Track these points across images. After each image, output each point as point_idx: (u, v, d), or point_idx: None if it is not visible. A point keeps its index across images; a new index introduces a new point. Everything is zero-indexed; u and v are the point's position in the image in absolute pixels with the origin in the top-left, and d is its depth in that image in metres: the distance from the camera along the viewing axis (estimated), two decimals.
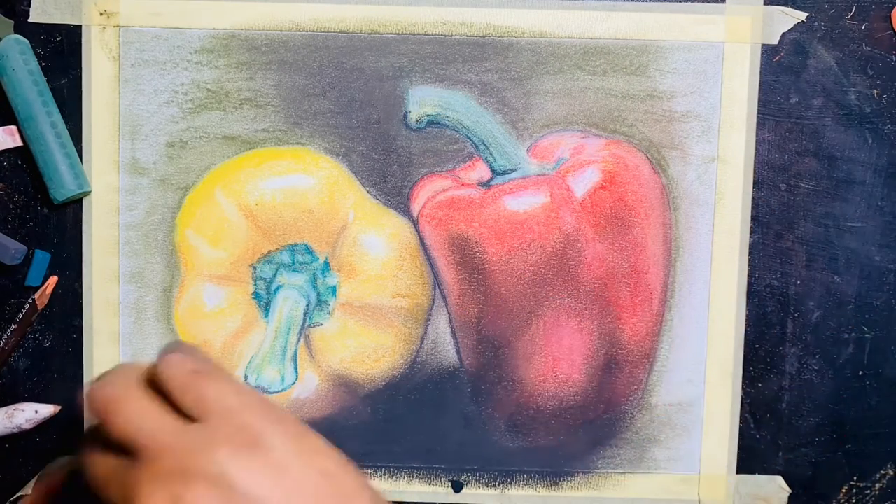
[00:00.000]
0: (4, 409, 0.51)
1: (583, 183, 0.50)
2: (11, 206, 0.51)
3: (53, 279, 0.51)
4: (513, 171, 0.51)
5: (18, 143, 0.50)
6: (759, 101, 0.51)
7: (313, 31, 0.51)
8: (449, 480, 0.53)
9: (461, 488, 0.53)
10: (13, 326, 0.51)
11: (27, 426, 0.51)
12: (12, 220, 0.51)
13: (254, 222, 0.51)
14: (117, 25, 0.51)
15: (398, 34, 0.51)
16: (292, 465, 0.30)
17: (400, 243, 0.51)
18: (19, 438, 0.52)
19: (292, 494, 0.29)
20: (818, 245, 0.52)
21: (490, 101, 0.51)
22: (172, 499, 0.28)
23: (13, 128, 0.50)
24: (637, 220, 0.50)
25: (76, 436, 0.53)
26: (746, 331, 0.52)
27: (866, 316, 0.52)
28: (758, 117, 0.51)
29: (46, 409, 0.51)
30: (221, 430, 0.30)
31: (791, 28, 0.51)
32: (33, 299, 0.51)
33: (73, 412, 0.52)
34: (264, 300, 0.51)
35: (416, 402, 0.53)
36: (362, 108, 0.51)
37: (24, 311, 0.51)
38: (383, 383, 0.52)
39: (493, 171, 0.51)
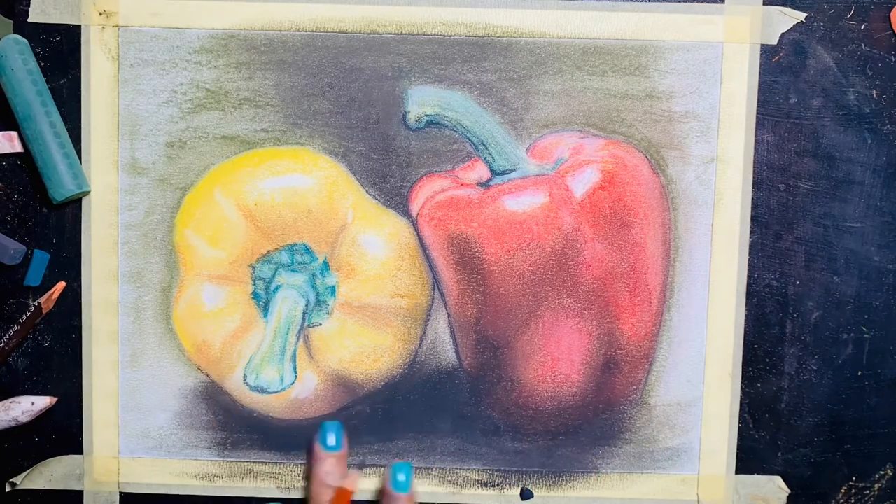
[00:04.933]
0: (1, 402, 0.51)
1: (582, 183, 0.50)
2: (10, 206, 0.51)
3: (61, 284, 0.51)
4: (512, 171, 0.51)
5: (18, 149, 0.50)
6: (759, 101, 0.51)
7: (312, 31, 0.51)
8: (520, 488, 0.53)
9: (531, 495, 0.53)
10: (15, 327, 0.51)
11: (24, 419, 0.51)
12: (11, 220, 0.51)
13: (253, 222, 0.51)
14: (116, 25, 0.51)
15: (397, 34, 0.51)
16: None
17: (399, 243, 0.51)
18: (17, 431, 0.52)
19: None
20: (817, 245, 0.52)
21: (489, 101, 0.51)
22: None
23: (13, 133, 0.50)
24: (636, 220, 0.50)
25: (73, 429, 0.53)
26: (745, 331, 0.52)
27: (865, 316, 0.52)
28: (757, 117, 0.51)
29: (43, 401, 0.51)
30: None
31: (790, 28, 0.51)
32: (39, 303, 0.51)
33: (70, 406, 0.52)
34: (263, 300, 0.51)
35: (414, 403, 0.53)
36: (361, 108, 0.51)
37: (28, 314, 0.51)
38: (382, 383, 0.52)
39: (493, 171, 0.51)
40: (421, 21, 0.51)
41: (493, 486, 0.53)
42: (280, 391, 0.51)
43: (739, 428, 0.53)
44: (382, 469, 0.53)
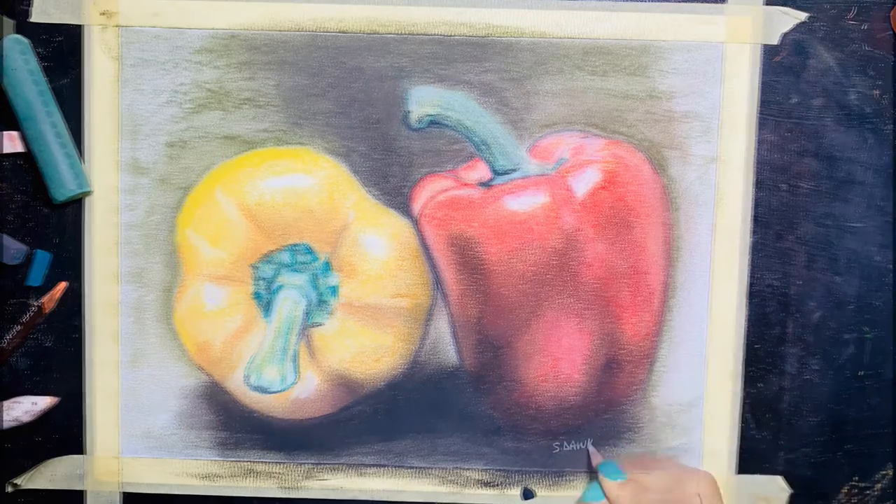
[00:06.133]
0: (2, 402, 0.51)
1: (583, 183, 0.50)
2: (12, 206, 0.51)
3: (62, 284, 0.51)
4: (513, 171, 0.51)
5: (19, 148, 0.50)
6: (760, 101, 0.51)
7: (313, 32, 0.51)
8: (522, 488, 0.53)
9: (532, 495, 0.53)
10: (16, 327, 0.51)
11: (26, 419, 0.51)
12: (13, 220, 0.51)
13: (254, 222, 0.51)
14: (117, 25, 0.51)
15: (398, 34, 0.51)
16: None
17: (400, 243, 0.51)
18: (18, 432, 0.52)
19: None
20: (819, 245, 0.52)
21: (490, 102, 0.51)
22: None
23: (15, 133, 0.50)
24: (637, 220, 0.50)
25: (75, 429, 0.53)
26: (747, 331, 0.52)
27: (866, 316, 0.52)
28: (758, 117, 0.51)
29: (44, 401, 0.51)
30: None
31: (791, 28, 0.51)
32: (40, 303, 0.51)
33: (71, 406, 0.52)
34: (264, 300, 0.51)
35: (416, 402, 0.53)
36: (363, 108, 0.51)
37: (29, 314, 0.51)
38: (383, 383, 0.52)
39: (494, 171, 0.51)
40: (422, 21, 0.51)
41: (495, 485, 0.53)
42: (281, 391, 0.51)
43: (741, 428, 0.53)
44: (383, 469, 0.53)
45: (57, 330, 0.52)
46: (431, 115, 0.51)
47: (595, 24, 0.51)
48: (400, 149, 0.51)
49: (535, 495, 0.53)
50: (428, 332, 0.52)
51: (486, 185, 0.51)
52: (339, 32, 0.51)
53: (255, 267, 0.51)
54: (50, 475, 0.53)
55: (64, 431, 0.53)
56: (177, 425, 0.53)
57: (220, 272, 0.51)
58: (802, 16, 0.51)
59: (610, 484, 0.50)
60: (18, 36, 0.50)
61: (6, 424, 0.51)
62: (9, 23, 0.50)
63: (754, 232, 0.52)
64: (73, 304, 0.52)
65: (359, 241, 0.51)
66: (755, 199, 0.51)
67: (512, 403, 0.52)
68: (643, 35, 0.51)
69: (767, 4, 0.51)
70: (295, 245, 0.51)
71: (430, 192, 0.51)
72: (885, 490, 0.53)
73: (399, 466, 0.53)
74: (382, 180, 0.51)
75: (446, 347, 0.52)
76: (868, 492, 0.53)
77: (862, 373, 0.52)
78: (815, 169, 0.51)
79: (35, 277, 0.51)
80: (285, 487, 0.53)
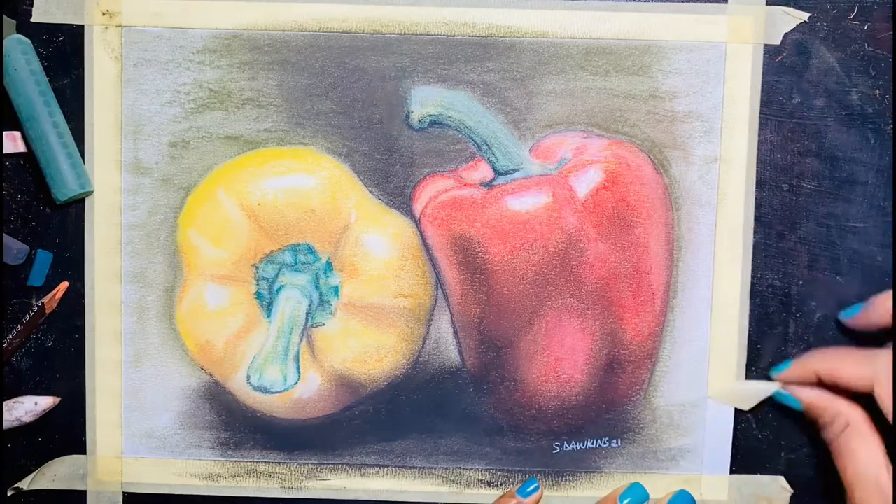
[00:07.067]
0: (4, 402, 0.51)
1: (585, 183, 0.50)
2: (14, 206, 0.51)
3: (64, 284, 0.51)
4: (515, 171, 0.51)
5: (21, 149, 0.50)
6: (762, 101, 0.51)
7: (316, 31, 0.51)
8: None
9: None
10: (18, 327, 0.51)
11: (27, 419, 0.51)
12: (15, 220, 0.51)
13: (256, 222, 0.51)
14: (119, 25, 0.51)
15: (400, 34, 0.51)
16: None
17: (402, 243, 0.51)
18: (20, 432, 0.52)
19: None
20: (820, 245, 0.52)
21: (492, 101, 0.51)
22: None
23: (16, 133, 0.50)
24: (639, 220, 0.50)
25: (77, 429, 0.53)
26: (749, 331, 0.52)
27: None
28: (760, 117, 0.51)
29: (46, 401, 0.51)
30: None
31: (793, 28, 0.51)
32: (42, 303, 0.51)
33: (73, 406, 0.52)
34: (266, 300, 0.51)
35: (417, 403, 0.53)
36: (365, 108, 0.51)
37: (31, 314, 0.51)
38: (385, 383, 0.53)
39: (496, 172, 0.51)
40: (424, 21, 0.51)
41: (497, 485, 0.53)
42: (283, 391, 0.51)
43: (742, 428, 0.53)
44: (385, 470, 0.53)
45: (58, 330, 0.52)
46: (433, 115, 0.51)
47: (597, 24, 0.51)
48: (402, 149, 0.51)
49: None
50: (430, 333, 0.52)
51: (487, 185, 0.51)
52: (342, 32, 0.51)
53: (256, 267, 0.51)
54: (52, 475, 0.53)
55: (66, 431, 0.53)
56: (179, 425, 0.53)
57: (221, 272, 0.51)
58: (804, 16, 0.51)
59: None
60: (20, 36, 0.50)
61: (8, 424, 0.51)
62: (10, 23, 0.50)
63: (756, 232, 0.52)
64: (74, 304, 0.52)
65: (361, 241, 0.51)
66: (757, 199, 0.51)
67: (514, 403, 0.52)
68: (645, 35, 0.51)
69: (769, 4, 0.51)
70: (297, 245, 0.51)
71: (431, 192, 0.51)
72: None
73: (401, 466, 0.53)
74: (384, 180, 0.51)
75: (448, 347, 0.52)
76: None
77: None
78: (816, 169, 0.51)
79: (37, 277, 0.51)
80: (287, 487, 0.53)
